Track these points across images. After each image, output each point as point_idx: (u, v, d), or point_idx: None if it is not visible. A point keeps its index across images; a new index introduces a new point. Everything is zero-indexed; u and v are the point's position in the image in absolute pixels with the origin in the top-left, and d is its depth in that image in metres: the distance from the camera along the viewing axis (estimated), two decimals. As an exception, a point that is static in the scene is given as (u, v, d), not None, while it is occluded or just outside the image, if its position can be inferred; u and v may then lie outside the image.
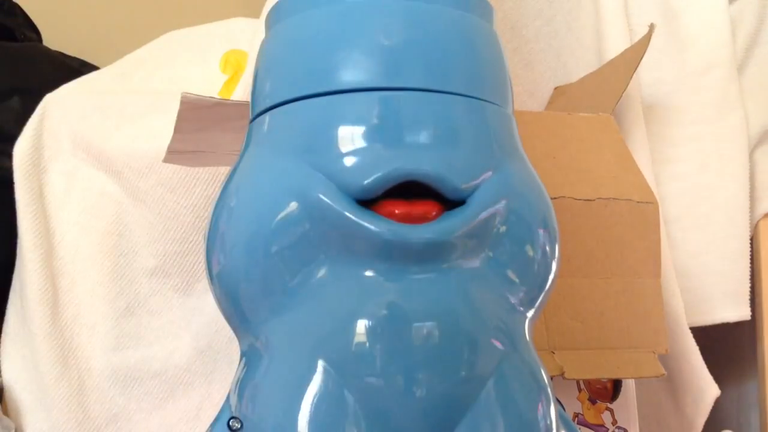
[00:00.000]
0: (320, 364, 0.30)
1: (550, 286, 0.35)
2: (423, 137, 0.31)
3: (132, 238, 0.67)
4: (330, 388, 0.30)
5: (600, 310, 0.51)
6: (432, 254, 0.30)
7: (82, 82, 0.76)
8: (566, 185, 0.52)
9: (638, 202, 0.53)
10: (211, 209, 0.34)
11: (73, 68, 0.84)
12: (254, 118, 0.35)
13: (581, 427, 0.55)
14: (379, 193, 0.30)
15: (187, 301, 0.66)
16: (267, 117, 0.34)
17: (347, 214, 0.30)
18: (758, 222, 0.70)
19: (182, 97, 0.47)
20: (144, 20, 1.00)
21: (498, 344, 0.31)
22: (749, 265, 0.68)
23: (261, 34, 0.37)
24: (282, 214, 0.31)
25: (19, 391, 0.66)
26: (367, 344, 0.30)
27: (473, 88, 0.33)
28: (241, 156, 0.35)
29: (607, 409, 0.56)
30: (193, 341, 0.65)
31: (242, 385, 0.33)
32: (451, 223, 0.30)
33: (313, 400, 0.30)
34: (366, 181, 0.30)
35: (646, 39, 0.61)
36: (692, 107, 0.70)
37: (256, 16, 0.70)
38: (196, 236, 0.65)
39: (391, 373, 0.29)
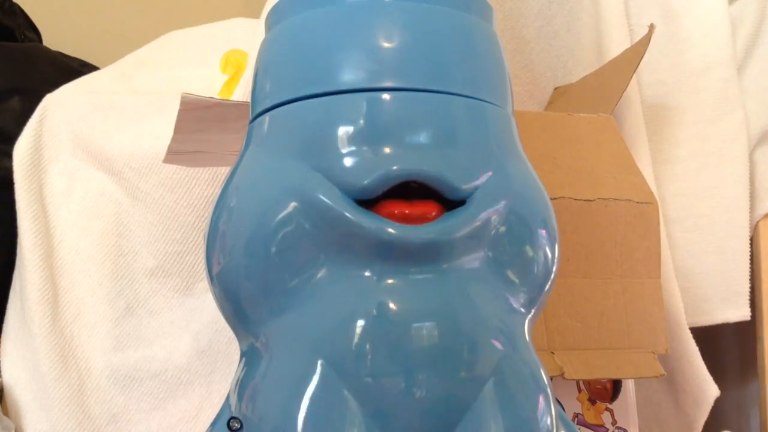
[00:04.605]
0: (320, 364, 0.30)
1: (550, 286, 0.35)
2: (423, 138, 0.31)
3: (132, 238, 0.67)
4: (329, 388, 0.30)
5: (600, 310, 0.51)
6: (431, 255, 0.30)
7: (82, 82, 0.75)
8: (566, 185, 0.52)
9: (638, 202, 0.53)
10: (210, 209, 0.34)
11: (73, 68, 0.84)
12: (254, 119, 0.35)
13: (581, 427, 0.55)
14: (378, 194, 0.30)
15: (187, 301, 0.66)
16: (267, 117, 0.34)
17: (347, 214, 0.30)
18: (758, 222, 0.70)
19: (182, 98, 0.47)
20: (144, 20, 1.00)
21: (497, 345, 0.31)
22: (749, 265, 0.68)
23: (261, 34, 0.37)
24: (282, 215, 0.31)
25: (19, 391, 0.66)
26: (367, 344, 0.30)
27: (473, 88, 0.33)
28: (241, 156, 0.35)
29: (607, 409, 0.56)
30: (193, 341, 0.65)
31: (242, 385, 0.33)
32: (451, 224, 0.30)
33: (312, 401, 0.30)
34: (366, 182, 0.30)
35: (646, 39, 0.61)
36: (692, 107, 0.70)
37: (256, 16, 0.70)
38: (196, 236, 0.65)
39: (390, 373, 0.29)
